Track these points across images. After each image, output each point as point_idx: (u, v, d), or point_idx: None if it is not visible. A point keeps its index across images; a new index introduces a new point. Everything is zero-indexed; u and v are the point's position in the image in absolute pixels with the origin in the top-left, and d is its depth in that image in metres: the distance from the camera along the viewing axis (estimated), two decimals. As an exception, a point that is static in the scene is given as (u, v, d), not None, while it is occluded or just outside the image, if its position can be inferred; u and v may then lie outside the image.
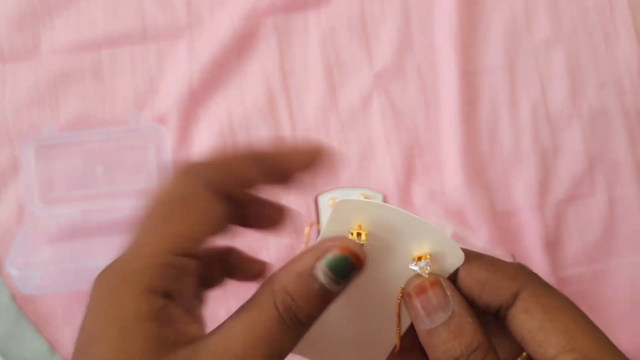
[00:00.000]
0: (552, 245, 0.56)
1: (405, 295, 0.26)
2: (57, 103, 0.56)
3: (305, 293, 0.24)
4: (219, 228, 0.27)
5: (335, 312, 0.26)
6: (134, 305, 0.23)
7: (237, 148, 0.28)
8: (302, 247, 0.55)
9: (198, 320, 0.26)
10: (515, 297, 0.25)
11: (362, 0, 0.58)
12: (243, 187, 0.28)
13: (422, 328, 0.25)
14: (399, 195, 0.56)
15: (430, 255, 0.26)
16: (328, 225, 0.26)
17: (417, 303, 0.25)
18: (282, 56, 0.57)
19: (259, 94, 0.57)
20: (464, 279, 0.26)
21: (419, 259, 0.26)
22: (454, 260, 0.26)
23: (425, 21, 0.58)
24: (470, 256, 0.26)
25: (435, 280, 0.26)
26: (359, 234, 0.25)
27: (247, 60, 0.57)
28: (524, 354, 0.27)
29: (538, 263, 0.54)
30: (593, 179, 0.57)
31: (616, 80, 0.58)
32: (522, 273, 0.26)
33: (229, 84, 0.57)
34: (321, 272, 0.24)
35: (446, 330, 0.25)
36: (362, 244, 0.25)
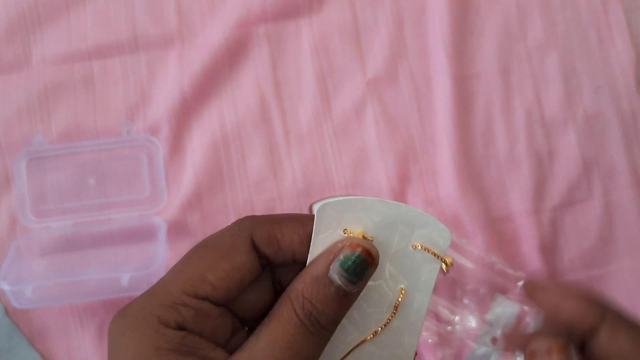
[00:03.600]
0: (549, 250, 0.55)
1: (528, 354, 0.25)
2: (48, 114, 0.56)
3: (324, 296, 0.24)
4: (247, 280, 0.26)
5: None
6: (152, 340, 0.24)
7: (302, 214, 0.28)
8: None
9: (224, 346, 0.26)
10: None
11: (354, 7, 0.58)
12: (284, 254, 0.27)
13: None
14: (393, 202, 0.55)
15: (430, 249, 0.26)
16: (316, 235, 0.26)
17: None
18: (274, 64, 0.57)
19: (251, 102, 0.56)
20: (605, 345, 0.23)
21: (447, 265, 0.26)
22: (444, 240, 0.26)
23: (418, 27, 0.58)
24: (619, 318, 0.24)
25: (563, 346, 0.24)
26: (363, 236, 0.26)
27: (239, 69, 0.57)
28: None
29: (534, 269, 0.54)
30: (589, 183, 0.56)
31: (611, 83, 0.57)
32: None
33: (221, 93, 0.57)
34: (336, 273, 0.24)
35: None
36: (371, 240, 0.25)
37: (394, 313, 0.26)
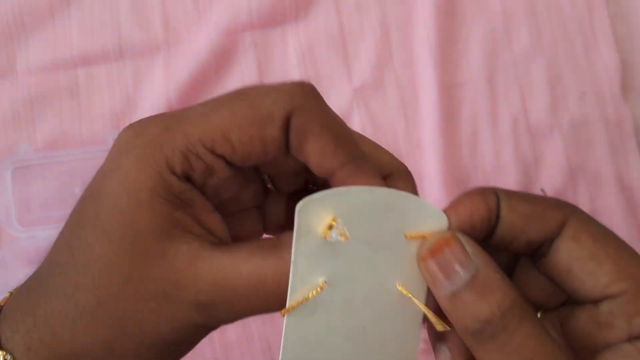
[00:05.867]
0: (535, 257, 0.55)
1: (419, 261, 0.23)
2: (34, 123, 0.55)
3: None
4: (268, 156, 0.24)
5: (334, 332, 0.24)
6: (151, 181, 0.23)
7: None
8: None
9: (218, 214, 0.25)
10: (562, 226, 0.23)
11: (340, 14, 0.58)
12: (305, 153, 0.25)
13: (442, 294, 0.22)
14: (380, 210, 0.55)
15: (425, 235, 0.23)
16: (297, 240, 0.23)
17: (432, 265, 0.23)
18: (261, 72, 0.57)
19: (238, 110, 0.56)
20: (506, 215, 0.24)
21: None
22: (441, 225, 0.23)
23: (404, 35, 0.58)
24: (511, 193, 0.24)
25: (451, 236, 0.23)
26: (330, 226, 0.22)
27: (225, 77, 0.57)
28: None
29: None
30: (575, 190, 0.56)
31: (596, 90, 0.57)
32: (564, 203, 0.24)
33: (207, 101, 0.56)
34: None
35: (471, 291, 0.21)
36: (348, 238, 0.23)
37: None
